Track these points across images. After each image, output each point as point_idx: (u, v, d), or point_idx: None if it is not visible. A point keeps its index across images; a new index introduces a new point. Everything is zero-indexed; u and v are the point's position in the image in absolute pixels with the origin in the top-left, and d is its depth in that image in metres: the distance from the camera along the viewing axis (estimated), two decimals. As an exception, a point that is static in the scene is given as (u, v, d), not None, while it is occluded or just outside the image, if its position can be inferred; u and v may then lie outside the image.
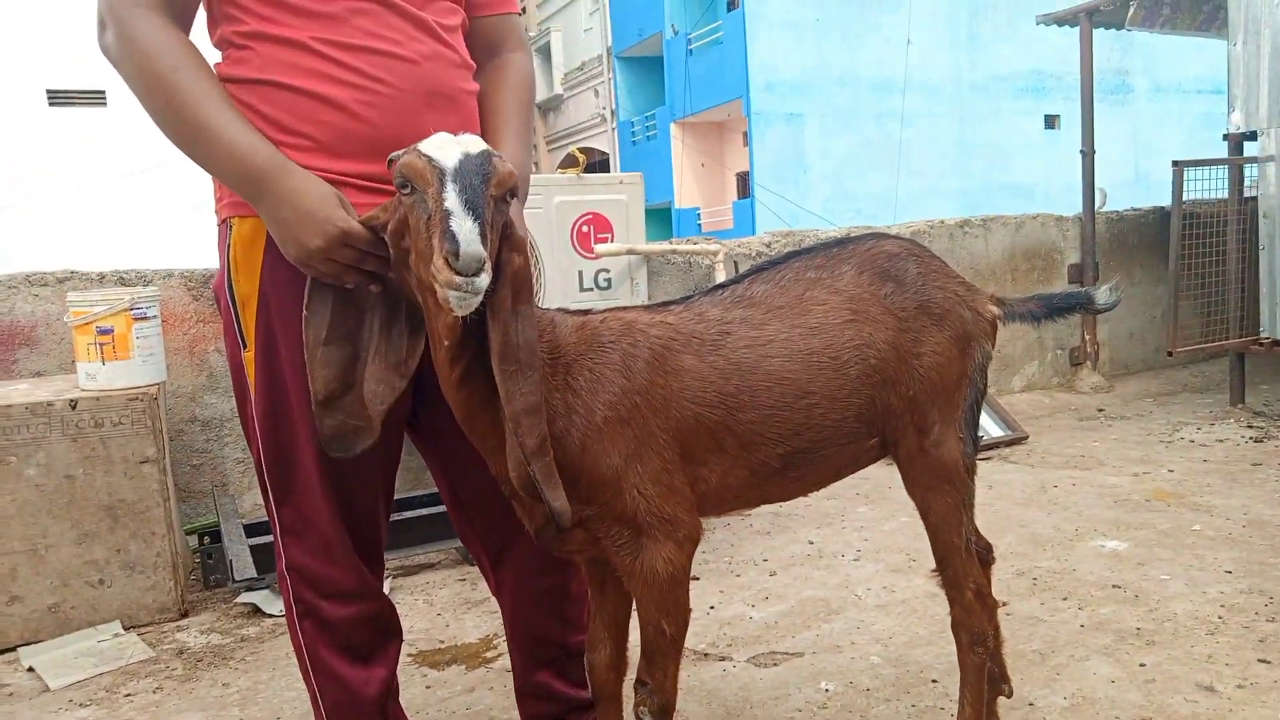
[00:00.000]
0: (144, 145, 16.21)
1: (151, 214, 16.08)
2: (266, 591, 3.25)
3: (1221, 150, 5.57)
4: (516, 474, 1.47)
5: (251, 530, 3.52)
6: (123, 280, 3.78)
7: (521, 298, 1.46)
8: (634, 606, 1.72)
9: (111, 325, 3.06)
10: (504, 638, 2.82)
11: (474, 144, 1.38)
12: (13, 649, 2.95)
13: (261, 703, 2.56)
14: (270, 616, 3.13)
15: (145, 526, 3.09)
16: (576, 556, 1.76)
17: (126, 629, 3.06)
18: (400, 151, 1.41)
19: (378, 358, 1.55)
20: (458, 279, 1.26)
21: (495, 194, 1.37)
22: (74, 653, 2.90)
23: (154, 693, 2.65)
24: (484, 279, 1.28)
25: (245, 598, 3.22)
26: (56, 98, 16.56)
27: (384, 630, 1.86)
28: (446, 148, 1.36)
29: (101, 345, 3.06)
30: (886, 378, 1.75)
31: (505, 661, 2.71)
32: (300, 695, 2.57)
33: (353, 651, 1.81)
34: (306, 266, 1.50)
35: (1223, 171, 5.52)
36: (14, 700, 2.65)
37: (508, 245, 1.43)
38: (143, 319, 3.13)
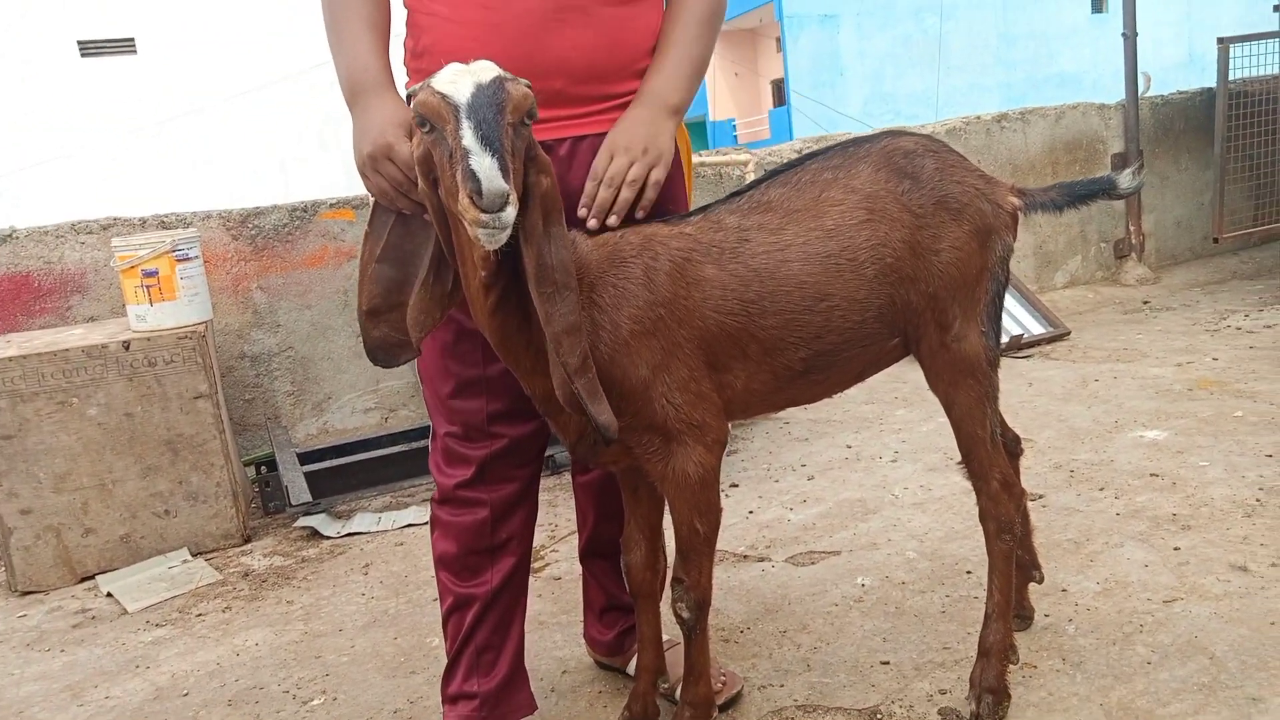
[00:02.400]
0: (176, 91, 16.35)
1: (188, 158, 16.26)
2: (324, 515, 3.39)
3: (1272, 25, 5.34)
4: (562, 392, 1.52)
5: (305, 458, 3.66)
6: (163, 224, 3.87)
7: (552, 219, 1.49)
8: (666, 509, 1.79)
9: (156, 268, 3.16)
10: (549, 549, 2.94)
11: (485, 71, 1.39)
12: (91, 577, 3.13)
13: (324, 616, 2.70)
14: (328, 538, 3.28)
15: (204, 459, 3.23)
16: (611, 466, 1.81)
17: (194, 555, 3.23)
18: (416, 87, 1.43)
19: (424, 288, 1.60)
20: (484, 216, 1.29)
21: (512, 120, 1.38)
22: (147, 578, 3.07)
23: (223, 612, 2.81)
24: (510, 212, 1.31)
25: (303, 522, 3.37)
26: (88, 48, 16.67)
27: None
28: (459, 81, 1.37)
29: (148, 287, 3.16)
30: (905, 275, 1.75)
31: (551, 570, 2.82)
32: (360, 609, 2.72)
33: None
34: (362, 177, 1.59)
35: (1274, 46, 5.30)
36: (97, 623, 2.83)
37: (534, 167, 1.46)
38: (185, 260, 3.22)
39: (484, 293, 1.50)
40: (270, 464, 3.73)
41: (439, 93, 1.36)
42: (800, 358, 1.74)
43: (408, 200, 1.56)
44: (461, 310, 1.73)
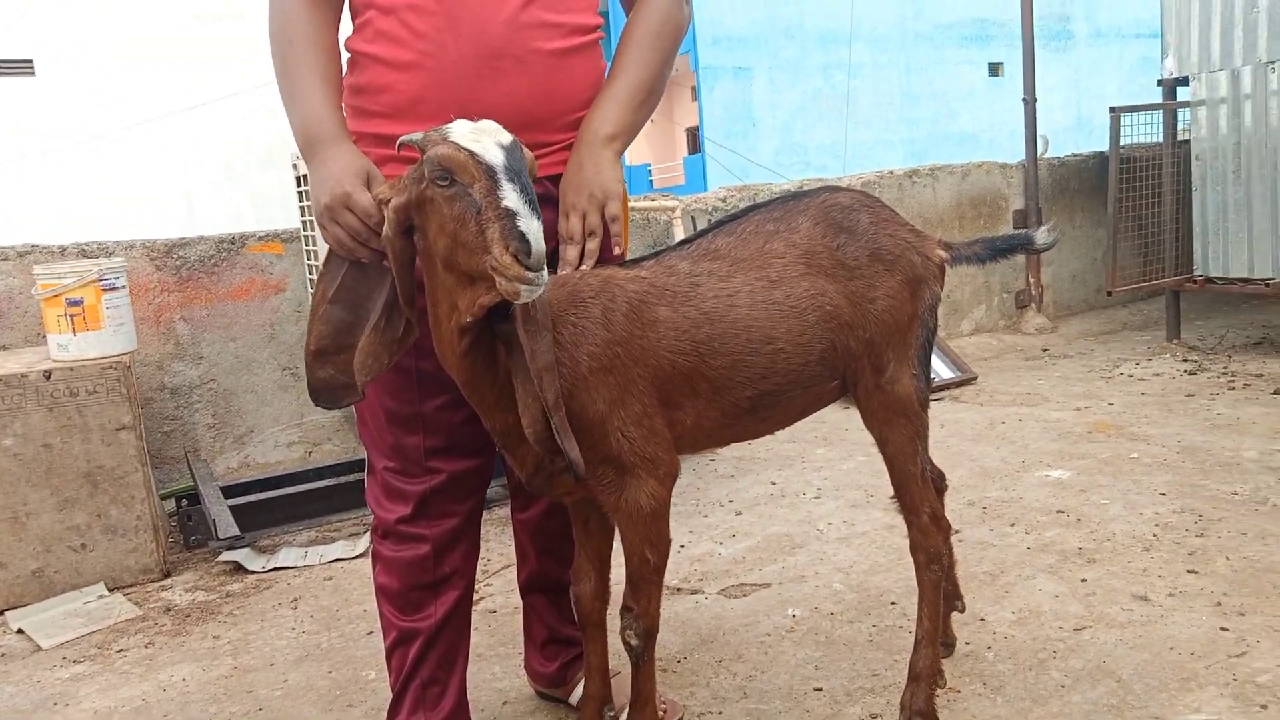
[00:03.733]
0: (80, 115, 15.81)
1: (97, 185, 15.71)
2: (248, 550, 3.33)
3: (1157, 95, 5.77)
4: (533, 429, 1.58)
5: (228, 492, 3.59)
6: (84, 252, 3.79)
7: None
8: (616, 540, 1.84)
9: (81, 296, 3.09)
10: (483, 583, 2.95)
11: (502, 133, 1.46)
12: (0, 613, 3.01)
13: (254, 651, 2.66)
14: (252, 573, 3.22)
15: (125, 491, 3.15)
16: (565, 498, 1.86)
17: (111, 590, 3.13)
18: (413, 136, 1.47)
19: (374, 331, 1.62)
20: (530, 274, 1.37)
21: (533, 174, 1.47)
22: (61, 614, 2.96)
23: (146, 647, 2.74)
24: (546, 272, 1.40)
25: (226, 556, 3.30)
26: (-16, 68, 16.01)
27: None
28: (482, 140, 1.43)
29: (72, 316, 3.09)
30: (843, 322, 1.87)
31: (486, 603, 2.83)
32: (290, 643, 2.68)
33: None
34: (320, 227, 1.60)
35: (1158, 116, 5.72)
36: (7, 660, 2.72)
37: None
38: (111, 289, 3.16)
39: (460, 335, 1.54)
40: (190, 497, 3.64)
41: (467, 150, 1.41)
42: (747, 396, 1.83)
43: (366, 250, 1.58)
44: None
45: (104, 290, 3.15)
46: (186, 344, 4.00)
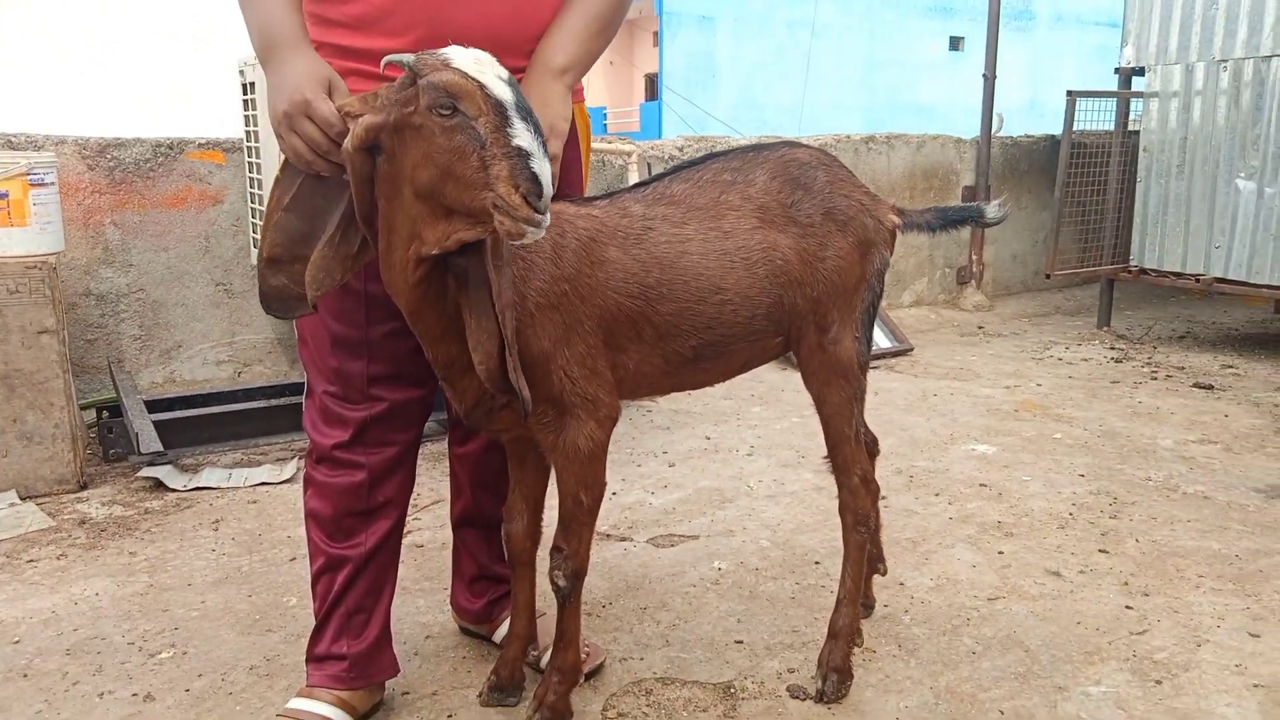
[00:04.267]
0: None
1: (20, 70, 14.91)
2: (170, 467, 3.25)
3: (1112, 83, 5.85)
4: (486, 365, 1.55)
5: (152, 407, 3.50)
6: (10, 144, 3.61)
7: None
8: (551, 480, 1.84)
9: (6, 190, 2.94)
10: (411, 516, 2.92)
11: (499, 66, 1.40)
12: (-96, 515, 2.90)
13: (171, 570, 2.61)
14: (173, 491, 3.15)
15: (43, 397, 3.04)
16: (503, 434, 1.85)
17: (23, 499, 3.04)
18: (404, 57, 1.39)
19: (329, 245, 1.57)
20: (538, 216, 1.33)
21: None
22: (-30, 520, 2.87)
23: (58, 559, 2.67)
24: (549, 215, 1.36)
25: (147, 472, 3.22)
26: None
27: None
28: (486, 72, 1.37)
29: (-5, 209, 2.94)
30: (792, 279, 1.87)
31: (414, 537, 2.81)
32: (209, 564, 2.64)
33: None
34: (277, 136, 1.53)
35: (1112, 104, 5.81)
36: (-89, 564, 2.63)
37: None
38: (40, 185, 3.02)
39: (416, 265, 1.50)
40: (112, 409, 3.54)
41: (476, 80, 1.35)
42: (691, 345, 1.83)
43: (324, 162, 1.51)
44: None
45: (31, 185, 3.00)
46: (116, 250, 3.85)
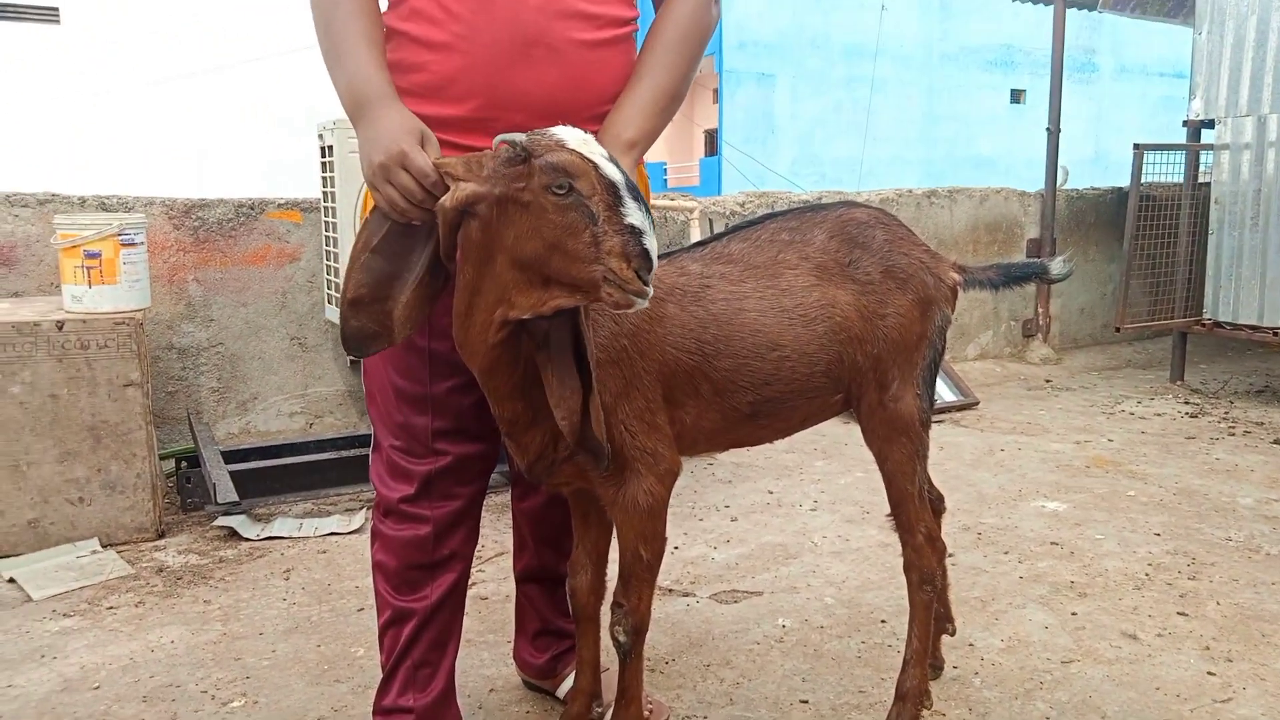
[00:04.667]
0: (103, 65, 15.78)
1: (117, 137, 15.67)
2: (244, 517, 3.34)
3: (1179, 134, 5.77)
4: (569, 421, 1.61)
5: (228, 457, 3.60)
6: (104, 206, 3.79)
7: None
8: (614, 535, 1.85)
9: (99, 250, 3.09)
10: (476, 568, 2.95)
11: (599, 146, 1.49)
12: (-6, 561, 3.02)
13: (244, 619, 2.66)
14: (247, 540, 3.23)
15: (126, 448, 3.15)
16: (564, 488, 1.87)
17: (104, 546, 3.14)
18: (516, 137, 1.47)
19: (420, 287, 1.62)
20: (648, 289, 1.43)
21: None
22: (54, 566, 2.97)
23: (136, 606, 2.75)
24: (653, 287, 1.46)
25: (222, 521, 3.31)
26: (6, 11, 15.96)
27: None
28: (595, 153, 1.46)
29: (89, 269, 3.09)
30: (852, 336, 1.88)
31: (479, 589, 2.84)
32: (280, 614, 2.69)
33: None
34: (371, 188, 1.58)
35: (1180, 156, 5.73)
36: (-1, 608, 2.73)
37: None
38: (130, 245, 3.17)
39: (500, 327, 1.55)
40: (190, 459, 3.65)
41: (591, 161, 1.44)
42: (749, 401, 1.84)
43: (419, 211, 1.55)
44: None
45: (123, 245, 3.15)
46: (198, 305, 4.01)
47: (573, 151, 1.44)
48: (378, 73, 1.67)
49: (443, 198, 1.51)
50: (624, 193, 1.43)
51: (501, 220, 1.49)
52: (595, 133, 1.78)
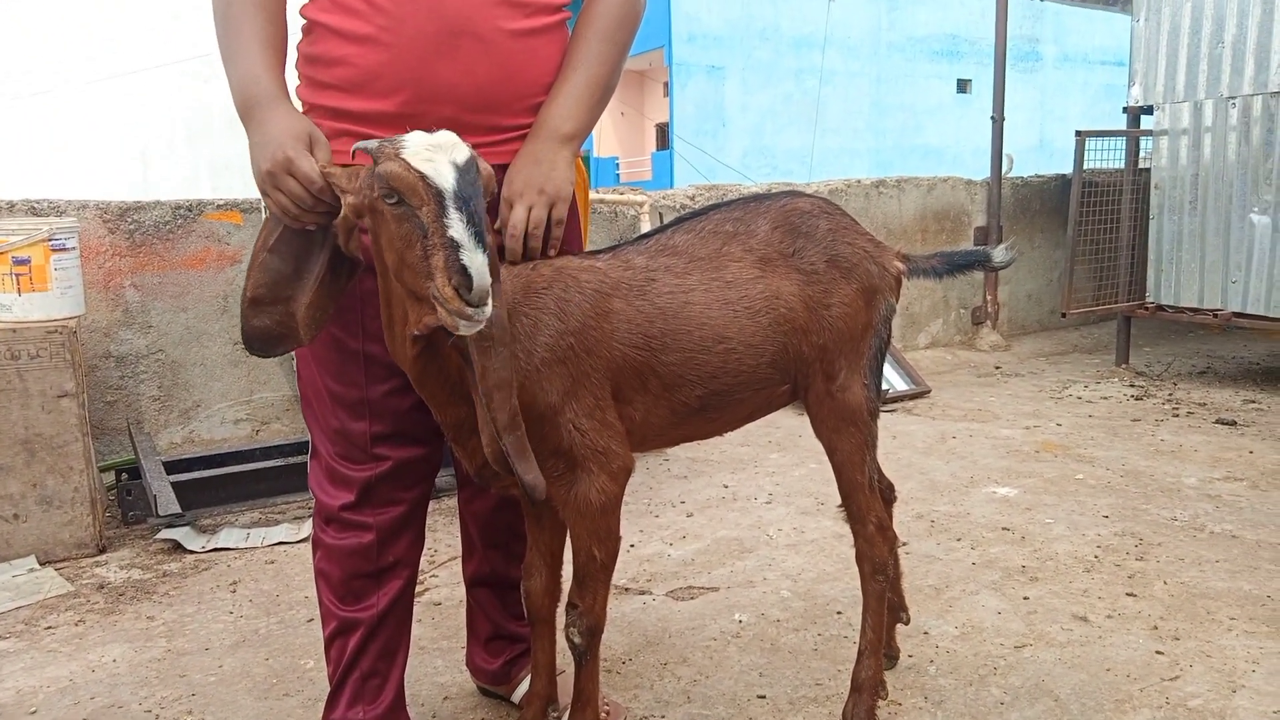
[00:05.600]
0: (35, 68, 15.35)
1: (46, 140, 15.26)
2: (188, 529, 3.26)
3: (1121, 121, 5.87)
4: (490, 448, 1.55)
5: (170, 468, 3.51)
6: (34, 210, 3.67)
7: (496, 276, 1.50)
8: (568, 536, 1.82)
9: (29, 255, 2.99)
10: (429, 574, 2.91)
11: (458, 149, 1.41)
12: (-75, 582, 2.91)
13: (189, 634, 2.59)
14: (191, 553, 3.15)
15: (63, 461, 3.06)
16: (515, 491, 1.84)
17: (42, 564, 3.04)
18: (368, 145, 1.43)
19: (321, 287, 1.59)
20: (469, 310, 1.33)
21: (486, 202, 1.43)
22: (-10, 586, 2.87)
23: (76, 625, 2.66)
24: (489, 307, 1.36)
25: (165, 534, 3.22)
26: (-64, 10, 15.46)
27: None
28: (436, 160, 1.38)
29: (18, 276, 2.99)
30: (797, 327, 1.87)
31: (431, 595, 2.79)
32: (227, 628, 2.62)
33: None
34: (262, 194, 1.55)
35: (1121, 142, 5.83)
36: (-70, 632, 2.63)
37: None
38: (61, 250, 3.07)
39: (413, 341, 1.52)
40: (131, 471, 3.56)
41: (417, 171, 1.37)
42: (697, 395, 1.82)
43: (312, 215, 1.53)
44: (342, 329, 1.74)
45: (53, 251, 3.05)
46: (135, 311, 3.90)
47: (401, 161, 1.38)
48: (267, 73, 1.63)
49: (337, 220, 1.50)
50: (449, 202, 1.36)
51: (374, 231, 1.47)
52: (529, 125, 1.75)
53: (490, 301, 1.36)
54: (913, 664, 2.33)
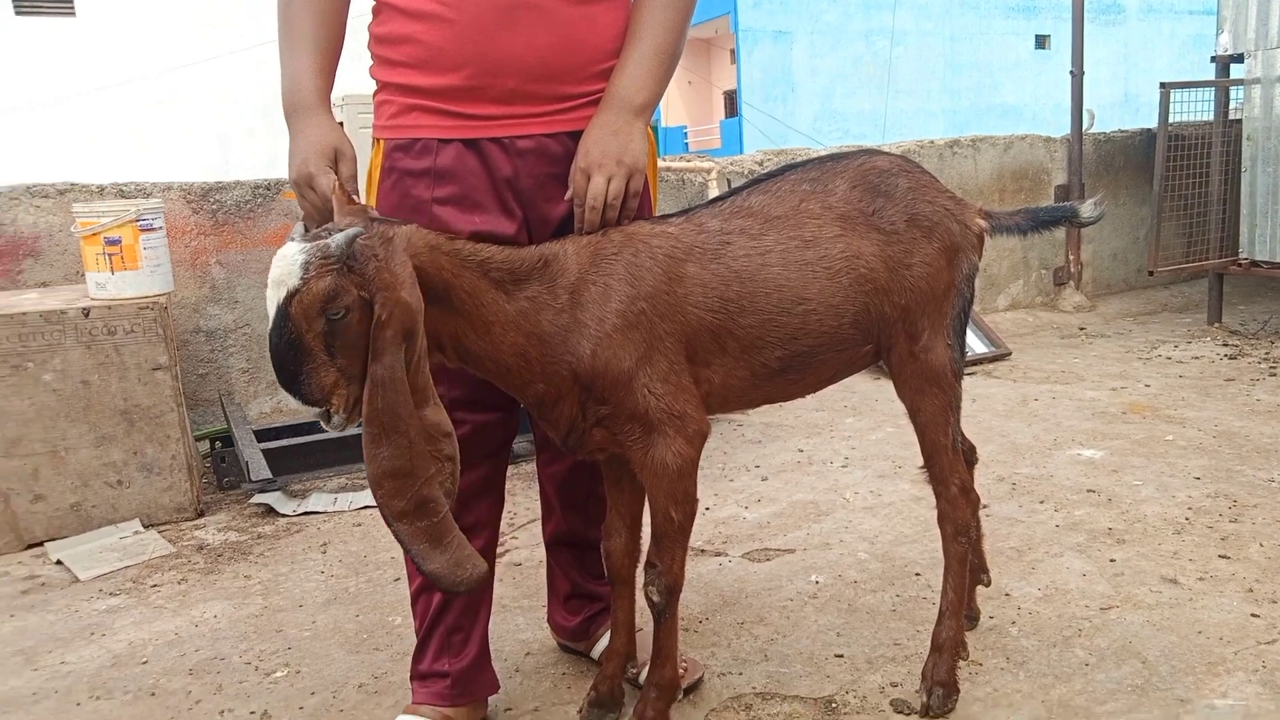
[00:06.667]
0: (117, 58, 15.85)
1: (131, 128, 15.79)
2: (279, 493, 3.38)
3: (1209, 72, 5.62)
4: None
5: (261, 436, 3.64)
6: (122, 193, 3.81)
7: (378, 354, 1.46)
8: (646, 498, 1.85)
9: (119, 236, 3.11)
10: (509, 535, 2.97)
11: (289, 276, 1.43)
12: (39, 544, 3.07)
13: (284, 592, 2.70)
14: (283, 516, 3.27)
15: (160, 430, 3.19)
16: (598, 455, 1.87)
17: (146, 527, 3.19)
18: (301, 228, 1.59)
19: None
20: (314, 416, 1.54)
21: (320, 328, 1.46)
22: (98, 548, 3.02)
23: (179, 584, 2.79)
24: (336, 418, 1.51)
25: (259, 499, 3.35)
26: (23, 7, 16.04)
27: None
28: (269, 298, 1.46)
29: (110, 255, 3.11)
30: (878, 287, 1.85)
31: (512, 556, 2.86)
32: (319, 586, 2.72)
33: None
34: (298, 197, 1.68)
35: (1209, 93, 5.57)
36: (47, 590, 2.78)
37: (372, 290, 1.46)
38: (149, 230, 3.19)
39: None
40: (224, 439, 3.70)
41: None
42: (777, 357, 1.82)
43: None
44: None
45: (141, 230, 3.17)
46: (222, 288, 4.04)
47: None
48: (311, 79, 1.71)
49: None
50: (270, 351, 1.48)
51: None
52: (596, 91, 1.76)
53: (335, 415, 1.50)
54: (994, 625, 2.31)
